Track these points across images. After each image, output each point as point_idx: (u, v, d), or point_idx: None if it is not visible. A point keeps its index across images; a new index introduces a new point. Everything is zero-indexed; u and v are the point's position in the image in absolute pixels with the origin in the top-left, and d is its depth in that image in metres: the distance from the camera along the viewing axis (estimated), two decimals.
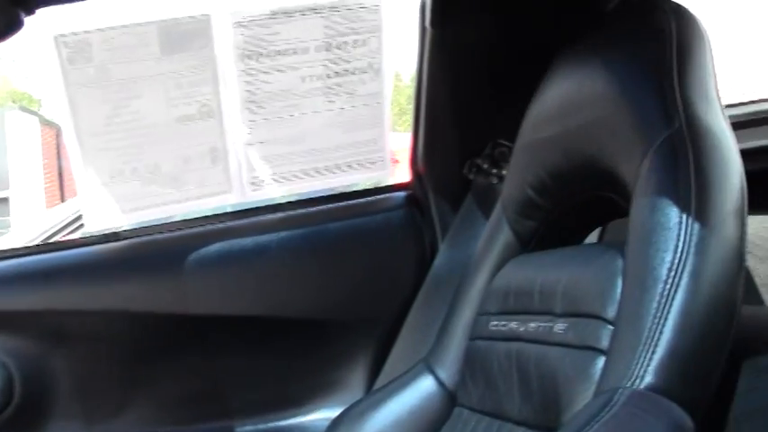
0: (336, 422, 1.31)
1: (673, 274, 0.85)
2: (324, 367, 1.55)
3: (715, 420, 0.89)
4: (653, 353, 0.83)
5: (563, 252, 1.12)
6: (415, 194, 1.58)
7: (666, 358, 0.82)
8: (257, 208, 1.57)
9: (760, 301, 1.60)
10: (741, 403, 0.91)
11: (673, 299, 0.84)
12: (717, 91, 1.01)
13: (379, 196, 1.59)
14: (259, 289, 1.52)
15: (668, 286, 0.85)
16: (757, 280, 1.61)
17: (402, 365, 1.39)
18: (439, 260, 1.51)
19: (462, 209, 1.51)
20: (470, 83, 1.45)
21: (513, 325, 1.10)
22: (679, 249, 0.86)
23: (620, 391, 0.82)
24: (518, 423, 1.05)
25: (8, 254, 1.53)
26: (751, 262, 1.62)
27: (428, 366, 1.27)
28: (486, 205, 1.33)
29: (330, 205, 1.58)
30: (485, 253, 1.27)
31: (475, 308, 1.23)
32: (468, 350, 1.20)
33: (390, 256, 1.56)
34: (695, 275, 0.85)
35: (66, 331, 1.46)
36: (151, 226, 1.55)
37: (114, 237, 1.49)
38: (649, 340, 0.83)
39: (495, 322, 1.15)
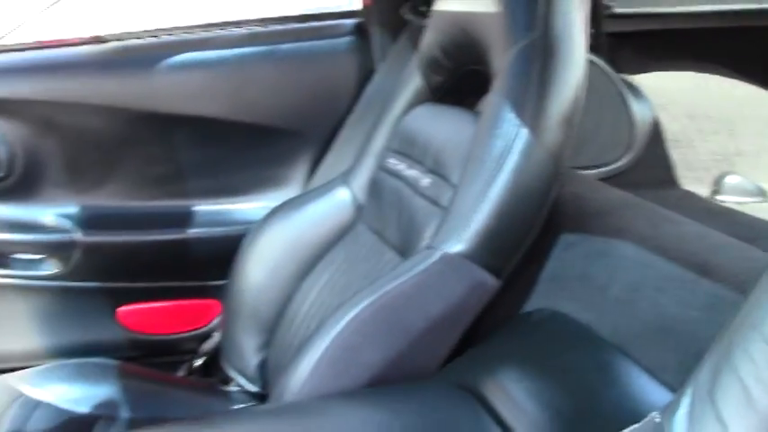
0: (271, 213, 1.58)
1: (497, 166, 1.07)
2: (267, 164, 1.81)
3: (523, 280, 1.15)
4: (468, 226, 1.07)
5: (452, 113, 1.32)
6: (363, 24, 1.77)
7: (478, 232, 1.06)
8: (222, 23, 1.78)
9: (666, 156, 1.81)
10: (548, 270, 1.16)
11: (491, 186, 1.07)
12: (582, 4, 1.16)
13: (331, 22, 1.79)
14: (218, 94, 1.75)
15: (492, 174, 1.07)
16: (669, 135, 1.81)
17: (331, 172, 1.65)
18: (371, 87, 1.73)
19: (398, 44, 1.70)
20: None
21: (402, 167, 1.34)
22: (506, 147, 1.07)
23: (437, 251, 1.08)
24: (391, 246, 1.33)
25: (9, 48, 1.75)
26: (665, 118, 1.81)
27: (346, 180, 1.52)
28: (416, 45, 1.52)
29: (286, 26, 1.78)
30: (401, 92, 1.47)
31: (386, 140, 1.46)
32: (374, 176, 1.45)
33: (334, 76, 1.78)
34: (514, 172, 1.07)
35: (57, 119, 1.72)
36: (130, 32, 1.76)
37: (99, 40, 1.72)
38: (468, 215, 1.07)
39: (393, 160, 1.38)
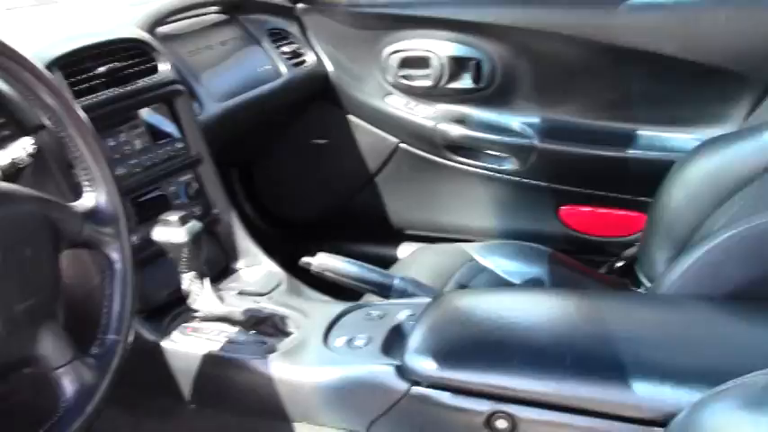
0: (702, 145, 1.76)
1: None
2: (707, 101, 1.98)
3: None
4: None
5: None
6: None
7: None
8: None
9: None
10: None
11: None
12: None
13: None
14: (672, 33, 1.94)
15: None
16: None
17: (765, 116, 1.79)
18: None
19: None
20: None
21: None
22: None
23: None
24: None
25: None
26: None
27: None
28: None
29: None
30: None
31: None
32: None
33: None
34: None
35: (530, 44, 2.06)
36: None
37: None
38: None
39: None
